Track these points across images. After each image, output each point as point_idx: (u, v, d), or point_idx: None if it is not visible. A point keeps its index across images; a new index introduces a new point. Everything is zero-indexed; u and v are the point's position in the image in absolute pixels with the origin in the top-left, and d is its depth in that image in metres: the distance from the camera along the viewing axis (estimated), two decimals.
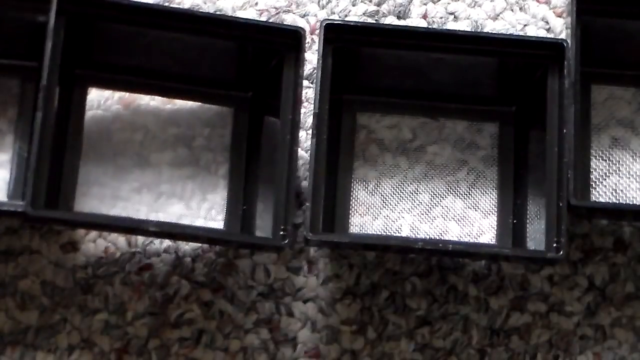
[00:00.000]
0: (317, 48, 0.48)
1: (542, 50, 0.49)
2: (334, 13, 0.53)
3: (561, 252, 0.46)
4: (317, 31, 0.49)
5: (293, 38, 0.49)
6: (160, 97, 0.53)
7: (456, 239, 0.51)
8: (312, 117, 0.48)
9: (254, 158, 0.51)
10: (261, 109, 0.51)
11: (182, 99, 0.52)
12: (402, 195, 0.52)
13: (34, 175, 0.46)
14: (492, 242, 0.51)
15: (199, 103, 0.52)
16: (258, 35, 0.49)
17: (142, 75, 0.52)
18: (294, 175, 0.48)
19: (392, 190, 0.52)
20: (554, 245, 0.46)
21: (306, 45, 0.49)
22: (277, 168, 0.48)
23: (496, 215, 0.51)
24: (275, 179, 0.48)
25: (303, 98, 0.50)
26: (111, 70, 0.51)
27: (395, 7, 0.54)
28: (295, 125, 0.48)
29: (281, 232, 0.47)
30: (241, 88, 0.52)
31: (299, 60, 0.49)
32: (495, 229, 0.51)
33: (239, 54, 0.51)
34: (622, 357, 0.50)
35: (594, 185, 0.51)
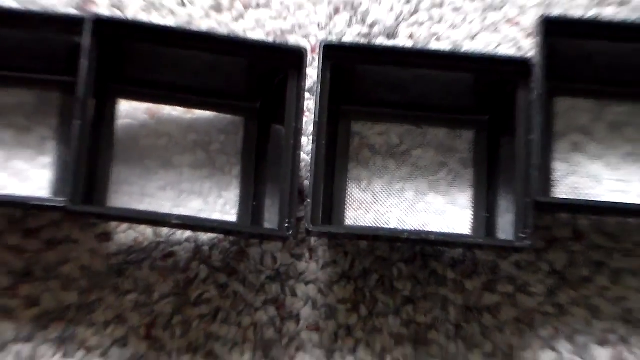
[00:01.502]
0: (317, 65, 0.48)
1: (513, 67, 0.48)
2: (332, 34, 0.53)
3: (528, 242, 0.46)
4: (317, 50, 0.48)
5: (296, 56, 0.49)
6: (181, 108, 0.52)
7: (437, 230, 0.50)
8: (312, 125, 0.47)
9: (263, 160, 0.51)
10: (268, 118, 0.51)
11: (200, 109, 0.52)
12: (390, 192, 0.51)
13: (73, 176, 0.46)
14: (467, 233, 0.51)
15: (215, 113, 0.52)
16: (266, 53, 0.49)
17: (166, 89, 0.51)
18: (297, 175, 0.48)
19: (382, 188, 0.51)
20: (521, 235, 0.46)
21: (308, 62, 0.49)
22: (282, 169, 0.48)
23: (471, 209, 0.51)
24: (280, 179, 0.48)
25: (305, 108, 0.50)
26: (139, 84, 0.51)
27: (385, 29, 0.53)
28: (298, 132, 0.48)
29: (286, 225, 0.47)
30: (251, 99, 0.52)
31: (301, 76, 0.48)
32: (471, 221, 0.51)
33: (249, 70, 0.50)
34: (577, 330, 0.50)
35: (555, 184, 0.51)
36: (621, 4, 0.54)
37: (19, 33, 0.48)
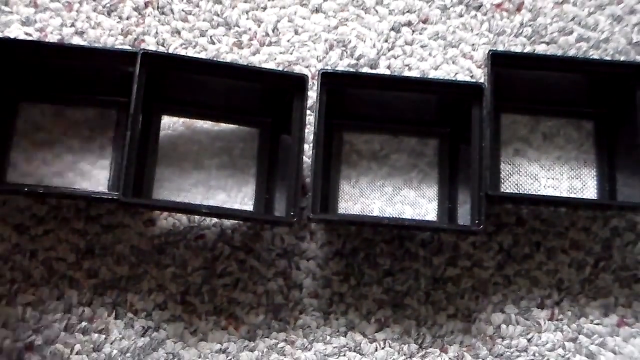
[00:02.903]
0: (316, 89, 0.49)
1: (468, 90, 0.49)
2: (328, 65, 0.53)
3: (481, 226, 0.47)
4: (316, 77, 0.49)
5: (300, 82, 0.49)
6: (210, 122, 0.52)
7: (410, 218, 0.51)
8: (313, 135, 0.48)
9: (274, 163, 0.51)
10: (278, 129, 0.51)
11: (224, 122, 0.52)
12: (373, 188, 0.52)
13: (125, 174, 0.47)
14: (434, 220, 0.51)
15: (236, 125, 0.52)
16: (276, 80, 0.50)
17: (198, 107, 0.52)
18: (301, 174, 0.48)
19: (367, 184, 0.52)
20: (476, 221, 0.47)
21: (309, 86, 0.49)
22: (289, 169, 0.48)
23: (437, 201, 0.52)
24: (287, 177, 0.48)
25: (306, 122, 0.50)
26: (178, 103, 0.52)
27: (368, 60, 0.54)
28: (301, 141, 0.48)
29: (292, 213, 0.47)
30: (264, 115, 0.52)
31: (304, 97, 0.49)
32: (437, 210, 0.51)
33: (263, 92, 0.51)
34: (521, 297, 0.51)
35: (502, 181, 0.52)
36: (549, 43, 0.55)
37: (86, 64, 0.49)
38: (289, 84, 0.49)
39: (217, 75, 0.49)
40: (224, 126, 0.52)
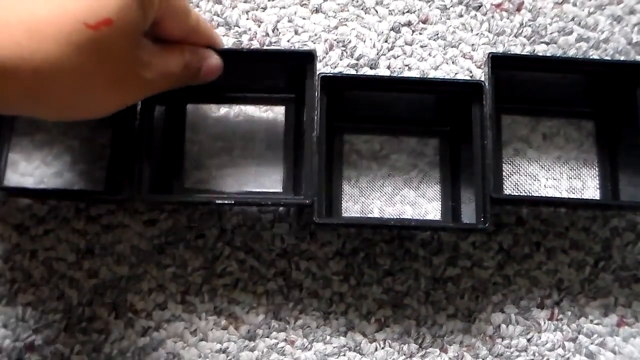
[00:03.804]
0: (316, 90, 0.48)
1: (468, 88, 0.48)
2: (327, 65, 0.53)
3: (487, 224, 0.46)
4: (316, 80, 0.48)
5: (310, 56, 0.48)
6: (235, 105, 0.51)
7: (410, 217, 0.51)
8: (315, 138, 0.47)
9: (300, 141, 0.49)
10: (300, 104, 0.50)
11: (250, 104, 0.52)
12: (373, 188, 0.52)
13: (129, 174, 0.47)
14: (437, 219, 0.51)
15: (262, 106, 0.51)
16: (290, 57, 0.49)
17: (222, 91, 0.51)
18: (314, 148, 0.46)
19: (367, 184, 0.52)
20: (482, 219, 0.46)
21: (318, 59, 0.48)
22: (305, 145, 0.46)
23: (439, 200, 0.51)
24: (304, 155, 0.47)
25: (316, 95, 0.47)
26: (201, 91, 0.49)
27: (368, 61, 0.53)
28: (314, 110, 0.47)
29: (309, 193, 0.46)
30: (287, 92, 0.51)
31: (313, 69, 0.48)
32: (440, 210, 0.51)
33: (281, 70, 0.50)
34: (521, 297, 0.51)
35: (503, 181, 0.52)
36: (549, 43, 0.54)
37: None
38: (301, 60, 0.48)
39: (242, 60, 0.49)
40: (249, 109, 0.52)
